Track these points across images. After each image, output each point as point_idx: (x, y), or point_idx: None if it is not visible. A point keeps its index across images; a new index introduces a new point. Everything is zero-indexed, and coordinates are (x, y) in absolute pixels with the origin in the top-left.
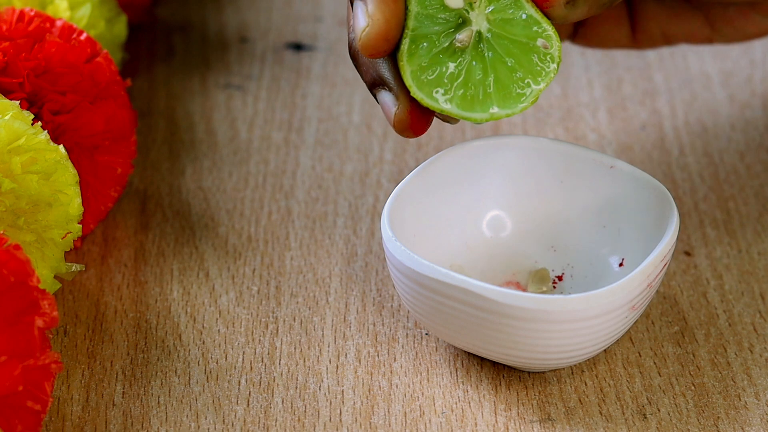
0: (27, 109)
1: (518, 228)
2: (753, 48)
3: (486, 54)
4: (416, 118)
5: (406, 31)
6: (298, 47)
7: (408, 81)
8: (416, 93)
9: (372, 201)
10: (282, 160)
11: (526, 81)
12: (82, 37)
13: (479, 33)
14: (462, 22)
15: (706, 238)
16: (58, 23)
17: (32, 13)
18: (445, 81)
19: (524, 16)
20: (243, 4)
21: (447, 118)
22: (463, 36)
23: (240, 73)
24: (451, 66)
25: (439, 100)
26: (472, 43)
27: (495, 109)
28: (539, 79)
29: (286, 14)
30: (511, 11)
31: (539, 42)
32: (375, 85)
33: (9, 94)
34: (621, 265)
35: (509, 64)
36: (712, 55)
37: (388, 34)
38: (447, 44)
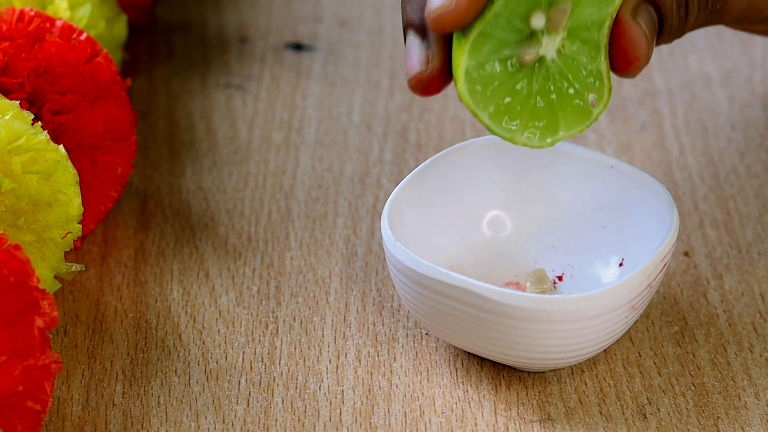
0: (27, 109)
1: (518, 228)
2: (753, 48)
3: (537, 79)
4: (435, 85)
5: (479, 22)
6: (298, 47)
7: (460, 71)
8: (462, 88)
9: (372, 201)
10: (282, 160)
11: (558, 124)
12: (82, 37)
13: (542, 58)
14: (530, 37)
15: (706, 238)
16: (58, 23)
17: (32, 13)
18: (490, 88)
19: (592, 67)
20: (243, 4)
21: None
22: (527, 57)
23: (240, 73)
24: (501, 77)
25: (479, 107)
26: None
27: (518, 135)
28: (569, 128)
29: (286, 14)
30: (583, 56)
31: (590, 97)
32: (412, 28)
33: (9, 94)
34: (621, 265)
35: (552, 101)
36: (712, 55)
37: (465, 17)
38: (507, 54)
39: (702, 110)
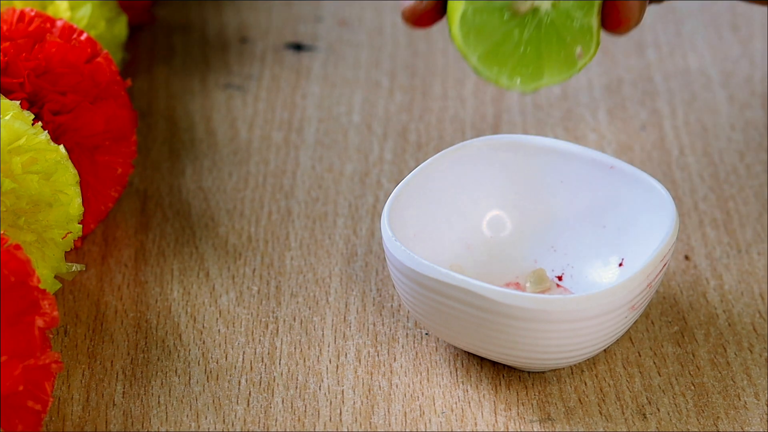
0: (27, 109)
1: (518, 228)
2: (753, 48)
3: (528, 28)
4: (427, 18)
5: None
6: (298, 47)
7: (456, 14)
8: (456, 31)
9: (372, 201)
10: (282, 160)
11: (543, 71)
12: (83, 37)
13: (536, 9)
14: None
15: (706, 238)
16: (59, 23)
17: (33, 14)
18: (483, 33)
19: (584, 21)
20: (243, 4)
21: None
22: (522, 6)
23: (240, 73)
24: (495, 23)
25: (470, 49)
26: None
27: (503, 78)
28: (553, 77)
29: (286, 14)
30: (577, 11)
31: (578, 49)
32: None
33: (9, 94)
34: (621, 265)
35: (540, 49)
36: (712, 55)
37: None
38: (503, 2)
39: (702, 110)
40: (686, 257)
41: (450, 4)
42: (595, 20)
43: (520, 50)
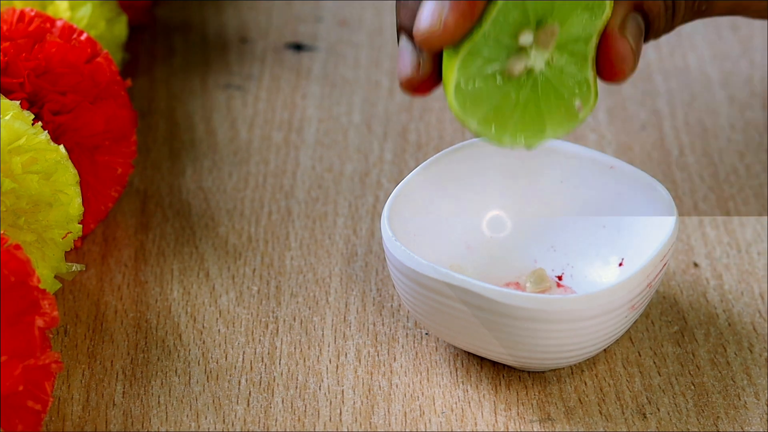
0: (27, 109)
1: (518, 228)
2: (753, 48)
3: (525, 89)
4: (425, 87)
5: (468, 41)
6: (298, 47)
7: (450, 85)
8: (452, 100)
9: (372, 201)
10: (282, 160)
11: (545, 127)
12: (83, 37)
13: (531, 69)
14: (519, 51)
15: (706, 238)
16: (59, 23)
17: (33, 14)
18: (480, 99)
19: (580, 76)
20: (243, 5)
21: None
22: (516, 69)
23: (240, 73)
24: (490, 88)
25: (468, 116)
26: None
27: (506, 139)
28: (555, 131)
29: (286, 14)
30: (571, 66)
31: (576, 102)
32: (405, 32)
33: (9, 94)
34: (621, 265)
35: (539, 107)
36: (712, 55)
37: (453, 39)
38: (496, 68)
39: (702, 110)
40: (695, 264)
41: (444, 74)
42: (590, 73)
43: (519, 110)
